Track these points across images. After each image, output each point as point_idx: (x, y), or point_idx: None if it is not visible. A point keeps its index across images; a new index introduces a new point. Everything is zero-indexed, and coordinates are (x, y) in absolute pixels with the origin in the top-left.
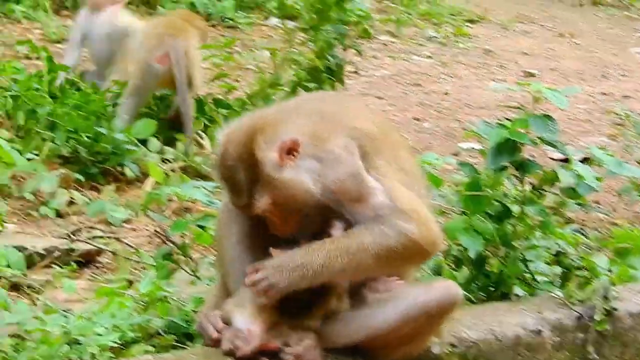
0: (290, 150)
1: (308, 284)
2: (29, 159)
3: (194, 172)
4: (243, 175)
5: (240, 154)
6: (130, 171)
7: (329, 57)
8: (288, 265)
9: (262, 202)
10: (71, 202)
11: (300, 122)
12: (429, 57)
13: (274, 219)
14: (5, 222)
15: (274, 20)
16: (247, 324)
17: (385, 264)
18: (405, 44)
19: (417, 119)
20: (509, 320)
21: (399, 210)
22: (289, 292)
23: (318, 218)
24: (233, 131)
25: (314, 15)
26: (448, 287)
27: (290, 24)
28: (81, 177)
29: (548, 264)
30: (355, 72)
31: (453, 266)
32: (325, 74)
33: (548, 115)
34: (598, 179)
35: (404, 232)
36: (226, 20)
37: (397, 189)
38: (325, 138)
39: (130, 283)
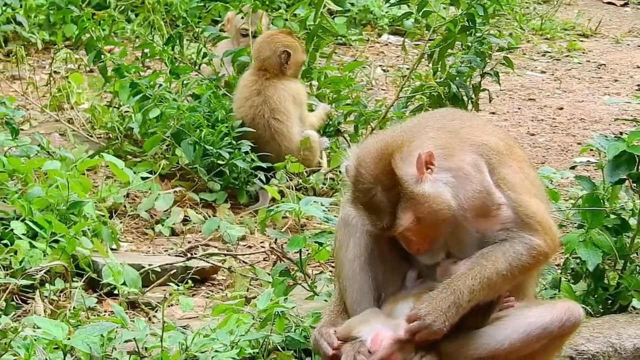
0: (427, 164)
1: (460, 316)
2: (143, 178)
3: (310, 191)
4: (382, 196)
5: (376, 176)
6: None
7: (453, 85)
8: (441, 308)
9: (405, 220)
10: (185, 220)
11: (431, 135)
12: (543, 72)
13: (412, 237)
14: (121, 241)
15: (386, 37)
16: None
17: (519, 278)
18: (518, 59)
19: (532, 134)
20: (627, 332)
21: (525, 224)
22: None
23: (447, 235)
24: (363, 154)
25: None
26: (570, 309)
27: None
28: (196, 197)
29: None
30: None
31: (571, 280)
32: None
33: None
34: None
35: (534, 246)
36: (339, 37)
37: (522, 199)
38: (455, 153)
39: (247, 300)
